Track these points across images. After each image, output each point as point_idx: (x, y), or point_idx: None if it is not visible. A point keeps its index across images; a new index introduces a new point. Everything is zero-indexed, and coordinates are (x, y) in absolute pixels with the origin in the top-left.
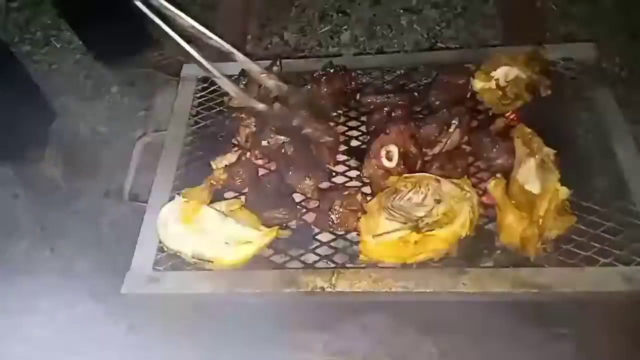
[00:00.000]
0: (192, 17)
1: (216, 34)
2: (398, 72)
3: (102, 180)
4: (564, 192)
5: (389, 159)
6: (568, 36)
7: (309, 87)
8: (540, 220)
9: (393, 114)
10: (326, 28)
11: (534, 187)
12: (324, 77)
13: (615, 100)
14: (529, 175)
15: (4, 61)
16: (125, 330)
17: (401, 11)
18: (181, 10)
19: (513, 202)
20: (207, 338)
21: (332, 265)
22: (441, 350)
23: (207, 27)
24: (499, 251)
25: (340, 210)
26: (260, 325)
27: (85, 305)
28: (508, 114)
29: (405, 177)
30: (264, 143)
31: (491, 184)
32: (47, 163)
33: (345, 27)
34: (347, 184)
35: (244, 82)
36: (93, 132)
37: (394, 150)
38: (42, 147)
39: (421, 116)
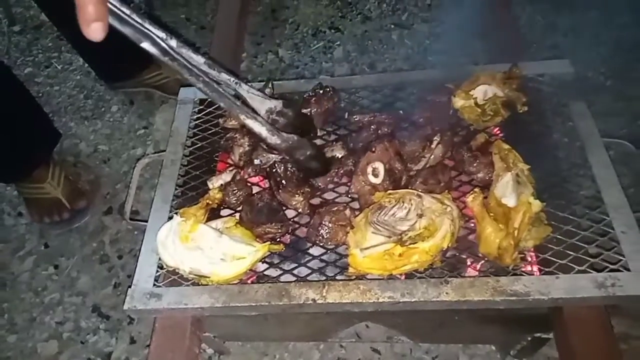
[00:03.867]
0: (188, 38)
1: (212, 54)
2: (385, 91)
3: (104, 198)
4: (537, 205)
5: (376, 175)
6: (554, 47)
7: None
8: (516, 232)
9: (379, 132)
10: (319, 44)
11: (510, 200)
12: (313, 98)
13: (592, 113)
14: (506, 189)
15: (7, 84)
16: (128, 344)
17: (392, 26)
18: (175, 32)
19: (491, 214)
20: (205, 349)
21: (324, 277)
22: (432, 357)
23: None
24: (481, 261)
25: (330, 225)
26: (258, 336)
27: (90, 320)
28: (488, 130)
29: (390, 194)
30: (257, 161)
31: (470, 198)
32: (51, 183)
33: (337, 43)
34: (336, 200)
35: None
36: (94, 151)
37: (380, 167)
38: (46, 166)
39: (406, 133)
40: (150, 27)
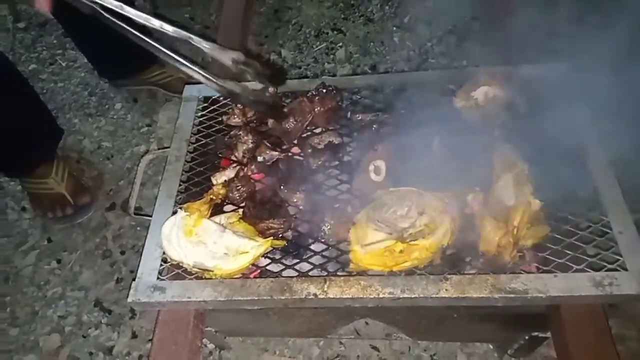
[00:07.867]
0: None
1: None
2: (387, 91)
3: (107, 194)
4: (535, 204)
5: (377, 173)
6: (555, 53)
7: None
8: (515, 230)
9: (381, 131)
10: (322, 45)
11: (509, 199)
12: (316, 97)
13: (592, 114)
14: (506, 188)
15: (12, 80)
16: (129, 339)
17: (394, 28)
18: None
19: (491, 212)
20: (207, 344)
21: (325, 273)
22: (431, 355)
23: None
24: (481, 259)
25: (332, 222)
26: (259, 331)
27: (92, 314)
28: (489, 130)
29: (391, 191)
30: (260, 159)
31: (470, 197)
32: (54, 178)
33: (340, 44)
34: (338, 197)
35: None
36: (98, 148)
37: (382, 165)
38: (50, 162)
39: (407, 133)
40: None
